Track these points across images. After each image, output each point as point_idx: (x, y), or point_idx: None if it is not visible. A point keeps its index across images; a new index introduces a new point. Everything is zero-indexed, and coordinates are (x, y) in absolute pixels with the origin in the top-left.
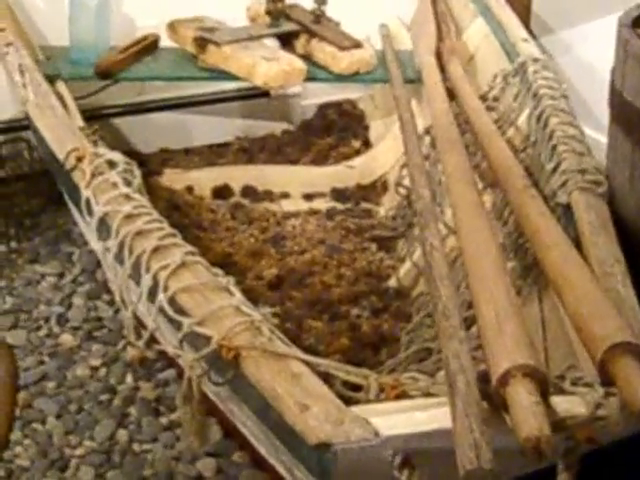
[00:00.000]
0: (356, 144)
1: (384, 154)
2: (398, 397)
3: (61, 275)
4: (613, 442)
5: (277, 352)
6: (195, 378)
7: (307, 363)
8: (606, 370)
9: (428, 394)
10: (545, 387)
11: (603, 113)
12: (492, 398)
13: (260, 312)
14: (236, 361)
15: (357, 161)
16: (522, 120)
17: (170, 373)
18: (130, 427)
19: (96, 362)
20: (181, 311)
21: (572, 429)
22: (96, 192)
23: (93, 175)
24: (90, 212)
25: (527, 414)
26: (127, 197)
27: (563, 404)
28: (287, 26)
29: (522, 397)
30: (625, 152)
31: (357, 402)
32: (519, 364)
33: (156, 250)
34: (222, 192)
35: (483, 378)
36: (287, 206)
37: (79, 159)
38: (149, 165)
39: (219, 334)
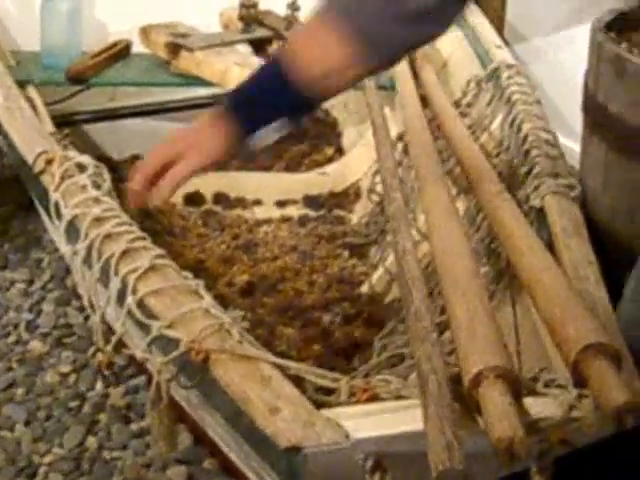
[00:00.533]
0: (329, 151)
1: (357, 161)
2: (369, 400)
3: (30, 282)
4: (587, 445)
5: (247, 355)
6: (164, 382)
7: (278, 366)
8: (579, 371)
9: (399, 397)
10: (518, 389)
11: (575, 120)
12: (464, 400)
13: (230, 315)
14: (205, 364)
15: (330, 168)
16: (495, 126)
17: (140, 380)
18: (100, 434)
19: (65, 369)
20: (150, 314)
21: (546, 431)
22: (65, 195)
23: (62, 178)
24: (59, 215)
25: (500, 415)
26: (96, 200)
27: (536, 406)
28: (260, 32)
29: (495, 398)
30: (598, 156)
31: (329, 406)
32: (491, 365)
33: (125, 253)
34: (194, 199)
35: (455, 380)
36: (259, 213)
37: (48, 162)
38: (121, 172)
39: (188, 337)
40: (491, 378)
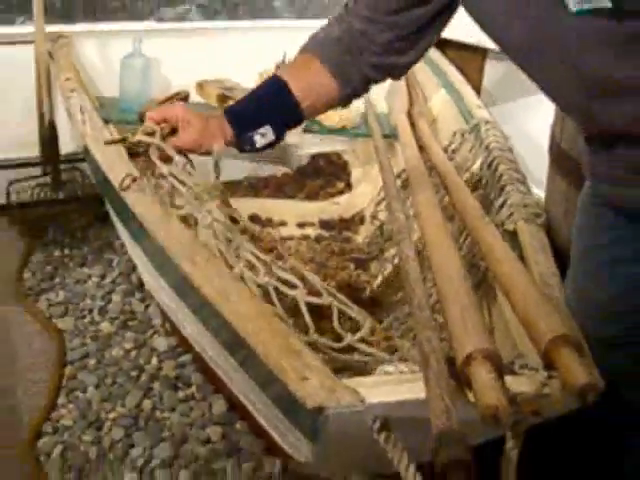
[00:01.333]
0: (340, 186)
1: (362, 194)
2: (386, 339)
3: (103, 276)
4: (555, 417)
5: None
6: None
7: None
8: (549, 357)
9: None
10: (500, 368)
11: (538, 169)
12: (457, 378)
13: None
14: None
15: (341, 199)
16: (475, 167)
17: (188, 357)
18: (153, 399)
19: (128, 346)
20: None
21: (521, 404)
22: None
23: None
24: None
25: (487, 387)
26: None
27: (514, 383)
28: None
29: (483, 374)
30: (561, 191)
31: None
32: (480, 348)
33: None
34: (233, 219)
35: (449, 362)
36: (284, 232)
37: (134, 180)
38: None
39: None
40: (479, 359)
